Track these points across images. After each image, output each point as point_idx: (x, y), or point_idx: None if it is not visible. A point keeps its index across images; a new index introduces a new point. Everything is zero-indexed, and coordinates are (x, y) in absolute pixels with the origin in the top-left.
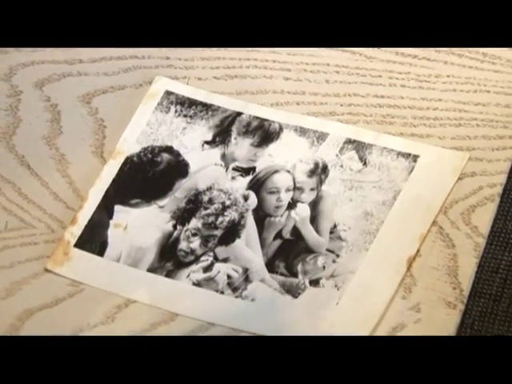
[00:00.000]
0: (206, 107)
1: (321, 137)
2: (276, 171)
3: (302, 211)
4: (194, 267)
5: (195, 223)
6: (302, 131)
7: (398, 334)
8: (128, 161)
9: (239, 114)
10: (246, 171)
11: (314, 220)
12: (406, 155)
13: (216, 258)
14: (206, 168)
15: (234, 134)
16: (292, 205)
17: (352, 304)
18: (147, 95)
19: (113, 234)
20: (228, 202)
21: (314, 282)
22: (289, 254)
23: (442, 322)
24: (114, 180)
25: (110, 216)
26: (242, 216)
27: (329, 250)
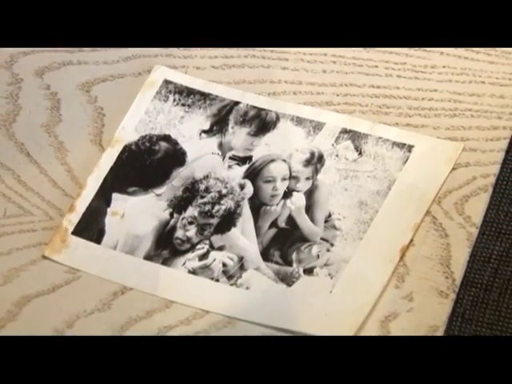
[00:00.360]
0: (204, 96)
1: (317, 126)
2: (272, 160)
3: (298, 200)
4: (189, 255)
5: (192, 211)
6: (299, 121)
7: (391, 323)
8: (126, 149)
9: (237, 103)
10: (242, 160)
11: (309, 209)
12: (401, 145)
13: (212, 246)
14: (203, 157)
15: (231, 123)
16: (288, 194)
17: (345, 292)
18: (146, 84)
19: (110, 221)
20: (224, 191)
21: (308, 271)
22: (284, 243)
23: (434, 310)
24: (111, 168)
25: (108, 204)
26: (238, 205)
27: (323, 239)
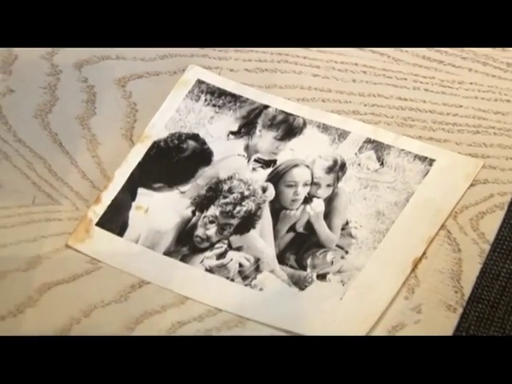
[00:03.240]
0: (235, 98)
1: (342, 135)
2: (296, 165)
3: (317, 206)
4: (208, 253)
5: (213, 211)
6: (325, 128)
7: (398, 333)
8: (155, 145)
9: (266, 107)
10: (266, 163)
11: (327, 216)
12: (423, 158)
13: (230, 246)
14: (228, 158)
15: (259, 127)
16: (308, 199)
17: (355, 300)
18: (179, 82)
19: (134, 215)
20: (247, 193)
21: (321, 276)
22: (300, 248)
23: (441, 324)
24: (139, 163)
25: (133, 198)
26: (258, 207)
27: (338, 246)
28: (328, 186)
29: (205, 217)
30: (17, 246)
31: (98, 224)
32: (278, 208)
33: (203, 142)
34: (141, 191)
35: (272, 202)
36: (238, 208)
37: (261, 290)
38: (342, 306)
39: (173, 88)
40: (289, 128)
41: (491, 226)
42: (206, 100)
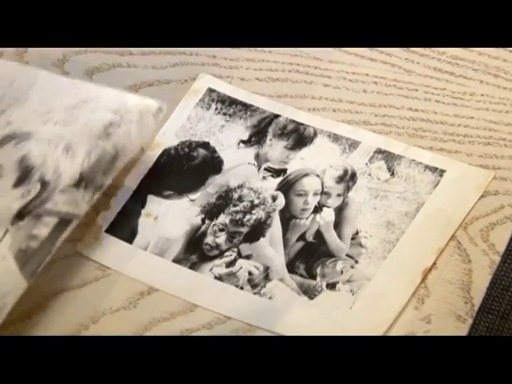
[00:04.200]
0: (246, 107)
1: (353, 145)
2: (306, 174)
3: (327, 216)
4: (217, 261)
5: (223, 219)
6: (335, 138)
7: None
8: (165, 153)
9: (277, 116)
10: (277, 172)
11: (337, 225)
12: (433, 169)
13: (239, 255)
14: (239, 166)
15: (269, 136)
16: (318, 209)
17: (365, 309)
18: (190, 91)
19: (143, 222)
20: (257, 201)
21: (331, 286)
22: (310, 257)
23: (451, 334)
24: (149, 170)
25: (143, 205)
26: (268, 216)
27: (348, 256)
28: (338, 195)
29: (214, 225)
30: None
31: (108, 231)
32: (287, 217)
33: (213, 151)
34: (150, 198)
35: (282, 211)
36: (247, 216)
37: (270, 298)
38: (352, 315)
39: (183, 96)
40: (299, 137)
41: (501, 237)
42: (216, 108)
